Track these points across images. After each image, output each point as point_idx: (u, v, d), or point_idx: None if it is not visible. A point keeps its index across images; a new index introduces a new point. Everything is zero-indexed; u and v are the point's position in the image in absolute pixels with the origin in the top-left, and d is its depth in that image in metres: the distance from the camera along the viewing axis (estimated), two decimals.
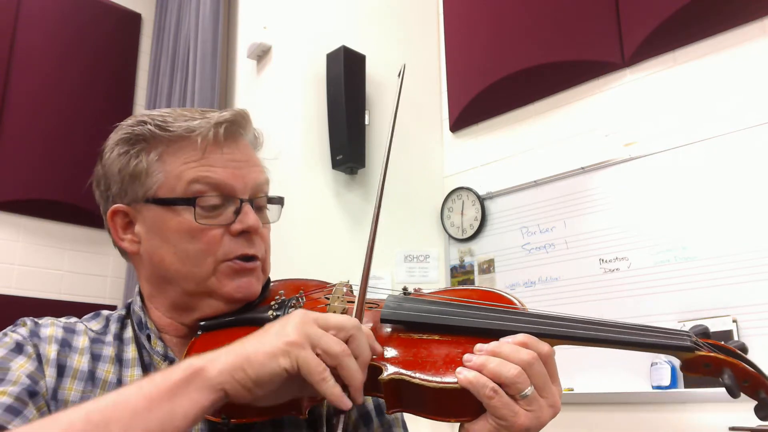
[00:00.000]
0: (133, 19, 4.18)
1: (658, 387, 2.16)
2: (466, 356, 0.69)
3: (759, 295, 2.02)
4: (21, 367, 0.77)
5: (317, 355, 0.64)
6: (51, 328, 0.85)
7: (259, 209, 0.90)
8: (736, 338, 2.03)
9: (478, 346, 0.70)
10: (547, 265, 2.60)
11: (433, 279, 2.95)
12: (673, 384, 2.14)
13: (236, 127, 0.87)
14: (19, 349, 0.79)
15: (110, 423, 0.60)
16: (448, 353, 0.72)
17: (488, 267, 2.82)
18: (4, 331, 0.83)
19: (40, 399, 0.75)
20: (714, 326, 2.08)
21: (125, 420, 0.60)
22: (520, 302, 0.79)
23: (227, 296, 0.84)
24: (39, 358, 0.79)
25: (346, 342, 0.66)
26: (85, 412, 0.62)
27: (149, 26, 4.25)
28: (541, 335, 0.72)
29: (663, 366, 2.16)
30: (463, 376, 0.67)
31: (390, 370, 0.70)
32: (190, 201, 0.83)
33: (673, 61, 2.37)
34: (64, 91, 3.71)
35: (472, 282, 2.87)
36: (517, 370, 0.66)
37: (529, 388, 0.67)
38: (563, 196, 2.60)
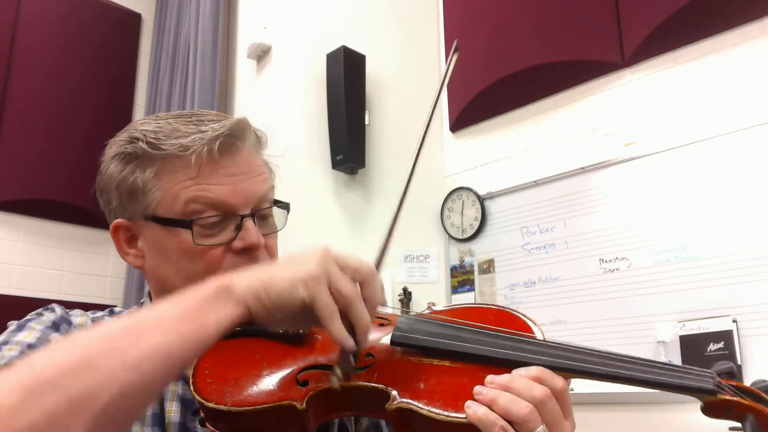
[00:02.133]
0: (133, 19, 4.18)
1: None
2: (477, 389, 0.67)
3: (759, 295, 2.02)
4: None
5: (331, 293, 0.65)
6: (81, 318, 0.85)
7: (264, 218, 0.87)
8: (736, 338, 2.03)
9: (489, 378, 0.68)
10: (547, 265, 2.60)
11: (433, 279, 2.95)
12: None
13: (233, 140, 0.83)
14: (55, 327, 0.80)
15: (146, 331, 0.60)
16: (458, 383, 0.70)
17: (488, 267, 2.82)
18: (37, 311, 0.83)
19: None
20: (714, 326, 2.08)
21: (161, 328, 0.61)
22: (536, 325, 0.77)
23: None
24: None
25: (360, 285, 0.67)
26: (122, 324, 0.62)
27: (149, 26, 4.25)
28: (556, 368, 0.69)
29: None
30: (472, 411, 0.65)
31: (398, 399, 0.69)
32: (186, 223, 0.80)
33: (673, 61, 2.37)
34: (64, 91, 3.70)
35: (471, 282, 2.87)
36: (528, 409, 0.64)
37: (541, 427, 0.65)
38: (563, 196, 2.60)
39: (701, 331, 2.10)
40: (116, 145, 0.86)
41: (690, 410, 2.29)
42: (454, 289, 2.92)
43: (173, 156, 0.81)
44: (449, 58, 0.88)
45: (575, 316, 2.45)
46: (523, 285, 2.66)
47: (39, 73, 3.61)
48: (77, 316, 0.85)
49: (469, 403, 0.66)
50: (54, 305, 0.85)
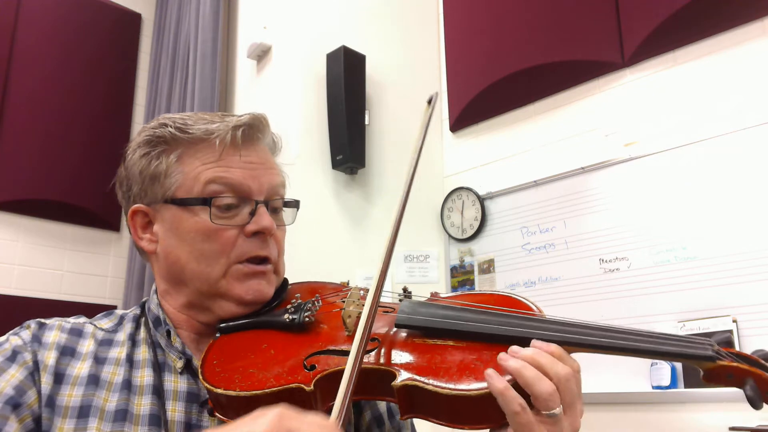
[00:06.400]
0: (133, 19, 4.18)
1: (658, 387, 2.16)
2: (502, 355, 0.67)
3: (759, 295, 2.02)
4: (11, 377, 0.78)
5: None
6: (55, 332, 0.85)
7: (275, 211, 0.91)
8: (736, 338, 2.03)
9: (514, 348, 0.68)
10: (547, 265, 2.60)
11: (433, 279, 2.95)
12: (673, 384, 2.14)
13: (254, 131, 0.89)
14: (13, 357, 0.80)
15: None
16: (463, 360, 0.70)
17: (488, 267, 2.82)
18: (6, 335, 0.84)
19: (23, 410, 0.76)
20: (714, 326, 2.08)
21: None
22: (537, 307, 0.78)
23: (237, 298, 0.86)
24: (36, 365, 0.80)
25: None
26: None
27: (149, 26, 4.25)
28: (562, 342, 0.70)
29: (663, 366, 2.16)
30: (493, 382, 0.64)
31: (403, 376, 0.69)
32: (206, 201, 0.85)
33: (673, 61, 2.37)
34: (64, 92, 3.70)
35: (471, 282, 2.87)
36: (552, 388, 0.64)
37: (558, 408, 0.65)
38: (563, 196, 2.60)
39: (701, 331, 2.10)
40: (145, 132, 0.91)
41: (690, 410, 2.29)
42: (454, 289, 2.92)
43: (198, 139, 0.87)
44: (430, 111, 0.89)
45: (575, 316, 2.43)
46: (523, 285, 2.66)
47: (39, 73, 3.61)
48: (52, 330, 0.85)
49: (489, 372, 0.65)
50: (30, 322, 0.86)
